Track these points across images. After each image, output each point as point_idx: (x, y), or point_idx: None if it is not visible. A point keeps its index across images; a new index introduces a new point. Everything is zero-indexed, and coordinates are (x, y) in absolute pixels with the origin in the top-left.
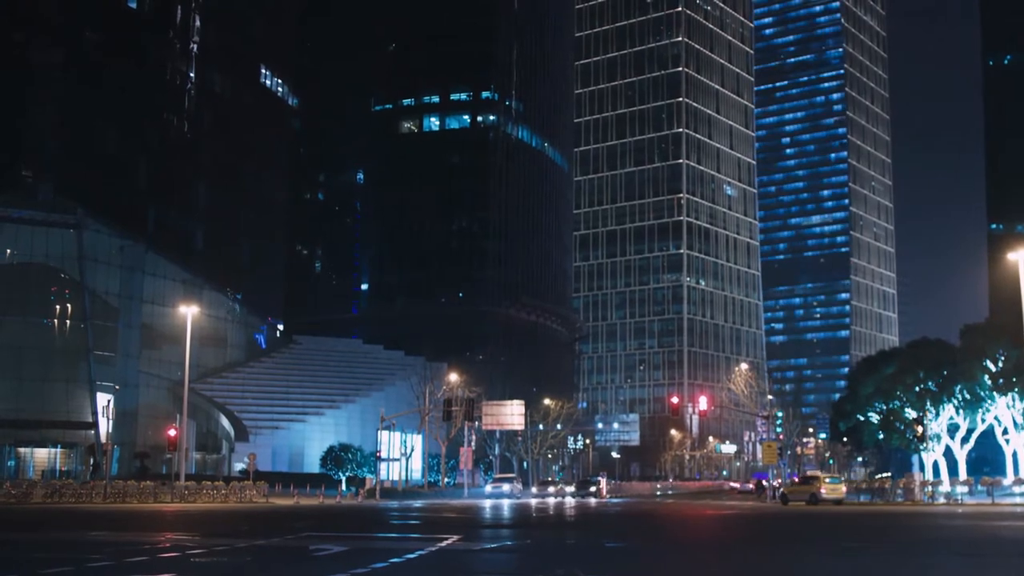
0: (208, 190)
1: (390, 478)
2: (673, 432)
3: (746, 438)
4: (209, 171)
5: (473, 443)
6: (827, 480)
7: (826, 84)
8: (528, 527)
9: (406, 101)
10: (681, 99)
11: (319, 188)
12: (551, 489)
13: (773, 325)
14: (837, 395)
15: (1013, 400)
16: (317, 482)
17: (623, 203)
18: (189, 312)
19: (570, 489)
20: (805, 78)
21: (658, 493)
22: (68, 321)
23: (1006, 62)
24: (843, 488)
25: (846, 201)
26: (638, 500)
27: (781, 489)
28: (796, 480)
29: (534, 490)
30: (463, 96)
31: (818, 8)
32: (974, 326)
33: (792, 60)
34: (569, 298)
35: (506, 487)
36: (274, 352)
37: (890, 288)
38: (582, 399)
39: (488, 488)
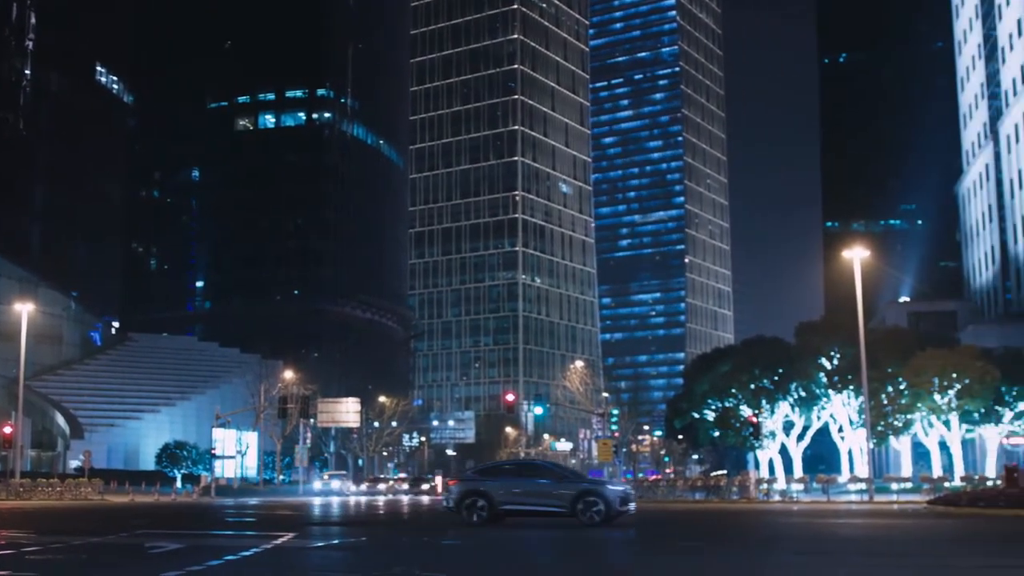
0: (44, 188)
1: (225, 475)
2: (508, 429)
3: (581, 436)
4: (45, 169)
5: (308, 440)
6: None
7: (661, 82)
8: (365, 524)
9: (241, 98)
10: (516, 97)
11: (155, 186)
12: (381, 487)
13: (610, 323)
14: (673, 392)
15: (848, 398)
16: (152, 479)
17: (458, 200)
18: (24, 309)
19: (404, 487)
20: (640, 75)
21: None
22: None
23: (841, 60)
24: None
25: (681, 199)
26: None
27: None
28: None
29: (364, 487)
30: (298, 93)
31: (654, 6)
32: (809, 324)
33: (628, 58)
34: (404, 296)
35: (335, 484)
36: (109, 350)
37: (725, 286)
38: (418, 396)
39: (317, 485)
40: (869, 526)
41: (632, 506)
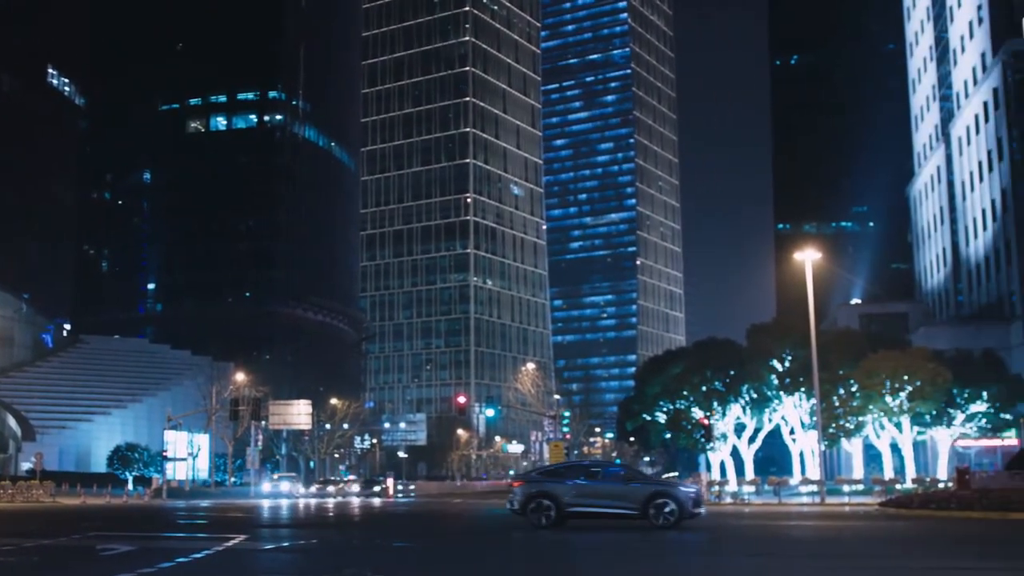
0: None
1: (177, 478)
2: (460, 432)
3: (533, 438)
4: None
5: (260, 443)
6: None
7: (613, 84)
8: (316, 527)
9: (193, 101)
10: (468, 99)
11: (106, 188)
12: (331, 488)
13: (561, 325)
14: (625, 395)
15: (799, 400)
16: (104, 482)
17: (410, 203)
18: None
19: (354, 488)
20: (592, 77)
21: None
22: None
23: (793, 62)
24: None
25: (633, 201)
26: (426, 500)
27: None
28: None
29: (314, 489)
30: (250, 96)
31: (605, 8)
32: (761, 326)
33: (579, 60)
34: (356, 298)
35: (285, 486)
36: (61, 352)
37: (677, 288)
38: (369, 399)
39: (266, 487)
40: (821, 528)
41: (703, 509)
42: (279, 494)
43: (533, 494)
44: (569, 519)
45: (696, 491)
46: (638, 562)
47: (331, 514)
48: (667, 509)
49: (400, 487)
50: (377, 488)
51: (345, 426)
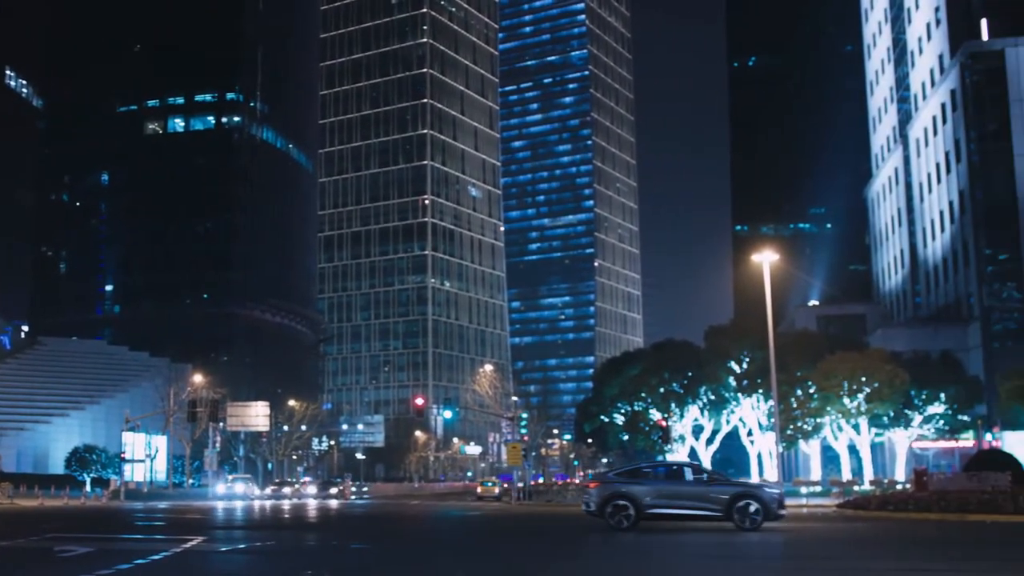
0: None
1: (135, 479)
2: (418, 433)
3: (491, 439)
4: None
5: (218, 444)
6: (483, 484)
7: (571, 85)
8: (275, 528)
9: (151, 102)
10: (426, 100)
11: (64, 189)
12: (286, 490)
13: (519, 327)
14: (583, 396)
15: (757, 401)
16: (62, 483)
17: (368, 204)
18: None
19: (311, 490)
20: (550, 79)
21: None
22: None
23: (750, 64)
24: (496, 489)
25: (591, 203)
26: (383, 502)
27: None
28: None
29: (269, 491)
30: (208, 97)
31: (563, 10)
32: (719, 328)
33: (537, 62)
34: (314, 299)
35: (240, 488)
36: (19, 353)
37: (635, 289)
38: (327, 400)
39: (220, 489)
40: (779, 529)
41: (785, 511)
42: (234, 496)
43: (610, 495)
44: (643, 520)
45: (780, 492)
46: (604, 561)
47: (288, 516)
48: (752, 511)
49: (354, 489)
50: (334, 490)
51: (303, 428)
